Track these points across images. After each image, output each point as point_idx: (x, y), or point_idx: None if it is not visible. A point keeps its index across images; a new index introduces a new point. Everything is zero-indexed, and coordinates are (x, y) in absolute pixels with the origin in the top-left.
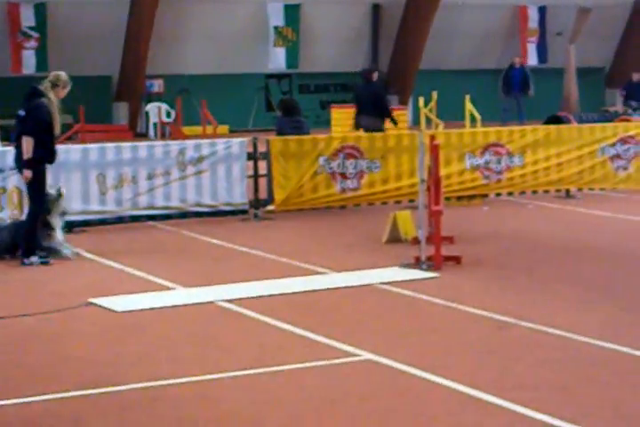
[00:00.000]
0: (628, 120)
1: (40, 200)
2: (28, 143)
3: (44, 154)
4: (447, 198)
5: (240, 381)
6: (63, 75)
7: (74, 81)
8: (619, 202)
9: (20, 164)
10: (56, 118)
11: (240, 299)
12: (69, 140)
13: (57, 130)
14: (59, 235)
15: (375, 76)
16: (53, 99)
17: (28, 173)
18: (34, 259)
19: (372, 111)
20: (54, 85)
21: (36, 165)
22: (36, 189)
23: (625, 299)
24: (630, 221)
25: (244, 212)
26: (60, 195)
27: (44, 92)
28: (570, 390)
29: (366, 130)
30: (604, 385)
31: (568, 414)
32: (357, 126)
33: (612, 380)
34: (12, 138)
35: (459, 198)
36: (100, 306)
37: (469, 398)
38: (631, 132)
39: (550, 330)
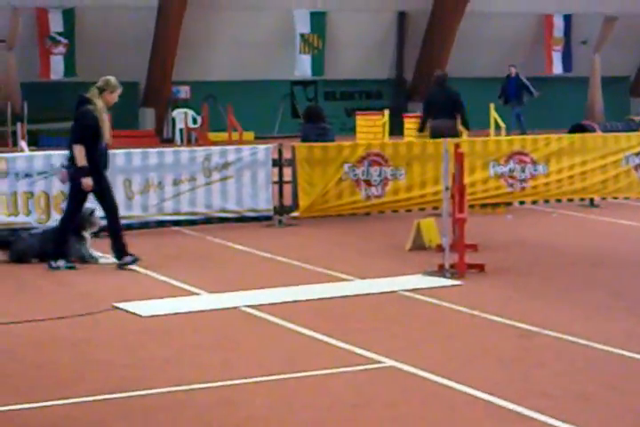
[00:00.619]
0: None
1: (77, 206)
2: (78, 151)
3: (92, 161)
4: (471, 206)
5: (264, 386)
6: (111, 79)
7: None
8: None
9: (74, 172)
10: (105, 124)
11: (264, 305)
12: None
13: (107, 136)
14: (88, 245)
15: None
16: (101, 105)
17: (87, 181)
18: (60, 263)
19: (448, 115)
20: (102, 90)
21: (85, 172)
22: (75, 194)
23: None
24: None
25: (268, 218)
26: (91, 213)
27: (90, 99)
28: (591, 399)
29: (441, 134)
30: (625, 394)
31: (589, 422)
32: (422, 130)
33: (633, 388)
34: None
35: (482, 206)
36: (126, 310)
37: (491, 406)
38: None
39: (572, 338)
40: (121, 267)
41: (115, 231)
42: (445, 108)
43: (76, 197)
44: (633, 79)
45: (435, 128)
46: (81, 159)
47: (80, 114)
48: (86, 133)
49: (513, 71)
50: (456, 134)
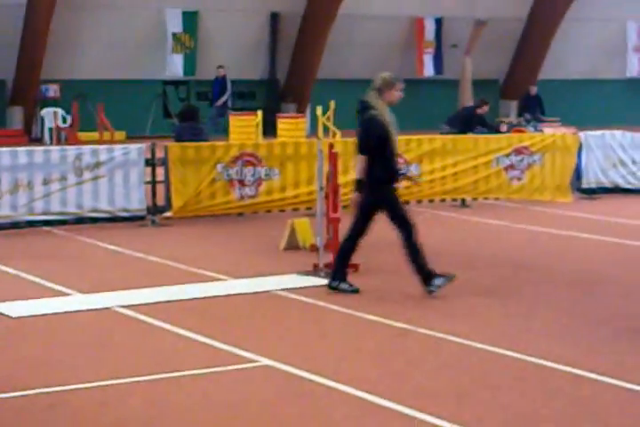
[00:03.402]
0: (521, 131)
1: (406, 222)
2: (361, 162)
3: (383, 174)
4: (345, 206)
5: (137, 387)
6: (386, 74)
7: None
8: (513, 211)
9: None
10: (392, 131)
11: (137, 305)
12: None
13: (394, 144)
14: None
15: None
16: (383, 108)
17: (357, 197)
18: None
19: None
20: (380, 91)
21: (379, 186)
22: (393, 210)
23: (517, 303)
24: (526, 231)
25: (141, 218)
26: None
27: (371, 104)
28: (467, 396)
29: None
30: (499, 390)
31: (466, 419)
32: None
33: (507, 385)
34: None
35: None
36: None
37: (368, 404)
38: (525, 143)
39: (447, 337)
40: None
41: (413, 252)
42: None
43: (362, 213)
44: (502, 82)
45: None
46: (360, 171)
47: (364, 122)
48: (371, 144)
49: (221, 72)
50: None
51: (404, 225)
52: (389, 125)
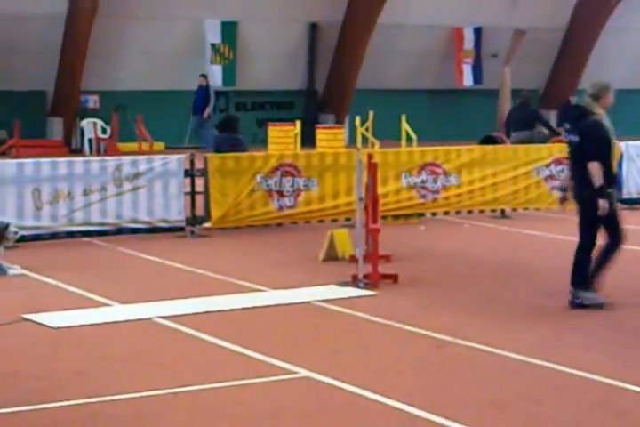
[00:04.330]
0: (561, 141)
1: (616, 233)
2: (595, 169)
3: (606, 178)
4: (384, 217)
5: (178, 398)
6: (600, 82)
7: (8, 95)
8: (552, 222)
9: (584, 194)
10: (613, 136)
11: (177, 316)
12: (3, 155)
13: (614, 149)
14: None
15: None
16: (601, 113)
17: (604, 204)
18: None
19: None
20: (596, 96)
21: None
22: (588, 218)
23: (561, 318)
24: (563, 241)
25: (180, 229)
26: (6, 226)
27: (590, 109)
28: (505, 408)
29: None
30: (539, 403)
31: None
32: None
33: (547, 397)
34: (570, 165)
35: (395, 217)
36: (35, 322)
37: (406, 415)
38: (565, 154)
39: (486, 348)
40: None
41: (602, 264)
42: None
43: (588, 222)
44: (542, 92)
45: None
46: (599, 178)
47: (589, 127)
48: (602, 149)
49: (201, 81)
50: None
51: (615, 234)
52: (610, 130)
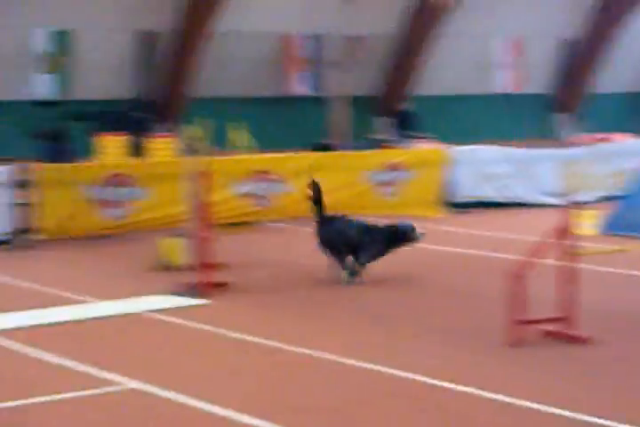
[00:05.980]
0: (389, 147)
1: None
2: None
3: None
4: (216, 225)
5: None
6: None
7: None
8: None
9: None
10: None
11: (2, 330)
12: None
13: None
14: None
15: None
16: None
17: None
18: None
19: None
20: None
21: None
22: None
23: (396, 321)
24: None
25: (6, 242)
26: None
27: None
28: (340, 413)
29: None
30: (373, 407)
31: None
32: None
33: (380, 402)
34: None
35: (228, 225)
36: None
37: (238, 424)
38: (396, 159)
39: (319, 354)
40: None
41: None
42: None
43: None
44: (380, 99)
45: None
46: None
47: None
48: None
49: None
50: None
51: None
52: None
